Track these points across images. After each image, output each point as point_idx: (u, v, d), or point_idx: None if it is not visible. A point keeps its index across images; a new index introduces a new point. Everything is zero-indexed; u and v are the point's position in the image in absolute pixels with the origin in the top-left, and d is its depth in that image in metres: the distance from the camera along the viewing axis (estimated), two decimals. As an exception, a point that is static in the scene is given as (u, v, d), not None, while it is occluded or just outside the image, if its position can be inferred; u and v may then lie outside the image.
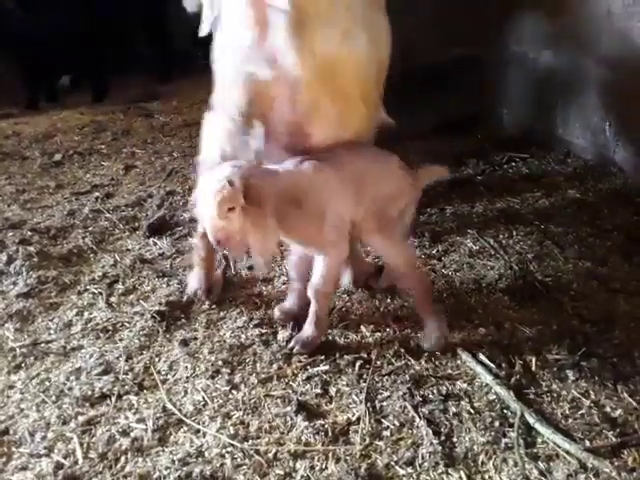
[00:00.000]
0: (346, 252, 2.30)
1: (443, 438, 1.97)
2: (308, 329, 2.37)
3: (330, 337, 2.48)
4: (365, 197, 2.23)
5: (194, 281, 2.79)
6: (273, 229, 2.05)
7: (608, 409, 2.08)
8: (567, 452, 1.89)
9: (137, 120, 5.70)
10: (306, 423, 2.04)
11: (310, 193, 2.13)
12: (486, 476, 1.85)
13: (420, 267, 2.45)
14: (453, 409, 2.09)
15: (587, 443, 1.93)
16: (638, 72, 3.59)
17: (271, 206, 2.00)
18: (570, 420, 2.04)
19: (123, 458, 1.95)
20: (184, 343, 2.49)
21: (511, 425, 2.01)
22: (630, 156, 3.78)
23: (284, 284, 2.85)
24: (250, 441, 1.99)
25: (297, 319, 2.50)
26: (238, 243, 2.03)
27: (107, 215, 3.64)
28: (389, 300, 2.70)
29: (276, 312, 2.56)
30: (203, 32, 3.17)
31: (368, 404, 2.13)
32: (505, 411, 2.08)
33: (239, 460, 1.91)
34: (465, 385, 2.20)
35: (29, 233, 3.37)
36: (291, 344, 2.38)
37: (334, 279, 2.33)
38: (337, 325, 2.56)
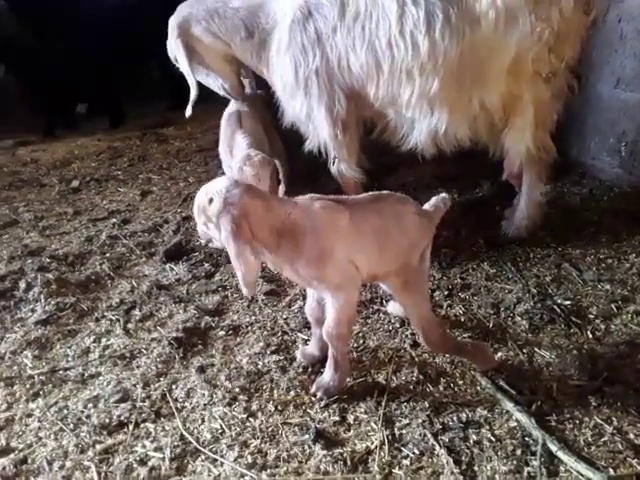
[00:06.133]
0: (356, 297, 2.20)
1: (464, 467, 1.94)
2: (328, 374, 2.30)
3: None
4: (390, 253, 2.17)
5: None
6: (247, 258, 1.91)
7: (631, 436, 2.04)
8: (591, 481, 1.86)
9: (153, 146, 5.78)
10: (324, 452, 2.02)
11: (311, 232, 2.01)
12: (509, 506, 1.82)
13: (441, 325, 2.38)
14: (474, 437, 2.06)
15: (611, 471, 1.90)
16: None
17: (249, 237, 1.91)
18: (593, 447, 2.00)
19: (141, 488, 1.95)
20: (201, 370, 2.49)
21: (533, 453, 1.98)
22: (647, 176, 3.76)
23: (301, 308, 2.85)
24: (268, 470, 1.97)
25: (320, 363, 2.43)
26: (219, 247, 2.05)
27: (124, 241, 3.67)
28: (406, 325, 2.68)
29: (299, 356, 2.52)
30: (189, 113, 3.60)
31: (387, 432, 2.11)
32: (527, 439, 2.04)
33: (257, 490, 1.90)
34: (485, 412, 2.17)
35: (47, 260, 3.40)
36: (312, 390, 2.31)
37: (347, 321, 2.19)
38: (354, 351, 2.54)
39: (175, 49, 3.47)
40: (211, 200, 1.93)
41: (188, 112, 3.61)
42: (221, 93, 3.69)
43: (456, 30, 2.71)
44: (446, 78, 2.82)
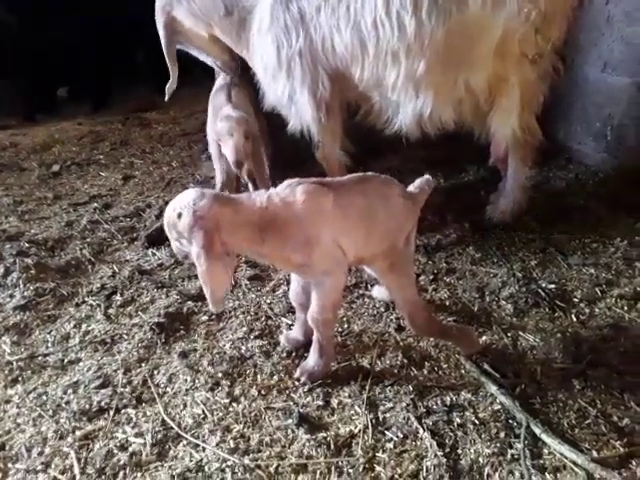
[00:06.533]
0: (343, 282, 2.18)
1: (448, 450, 1.94)
2: (313, 358, 2.28)
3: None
4: (376, 236, 2.13)
5: None
6: (217, 272, 1.85)
7: (615, 418, 2.04)
8: (574, 463, 1.86)
9: (135, 130, 5.70)
10: (308, 436, 2.01)
11: (295, 221, 1.96)
12: (492, 489, 1.81)
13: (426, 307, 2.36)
14: (457, 420, 2.06)
15: (594, 453, 1.90)
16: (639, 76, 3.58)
17: (220, 252, 1.84)
18: (577, 430, 2.00)
19: (121, 473, 1.92)
20: (183, 355, 2.46)
21: (517, 436, 1.97)
22: (632, 162, 3.75)
23: (285, 293, 2.82)
24: (251, 455, 1.95)
25: (304, 347, 2.41)
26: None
27: (105, 226, 3.61)
28: (391, 309, 2.66)
29: (282, 340, 2.49)
30: (168, 96, 3.64)
31: (371, 415, 2.09)
32: (511, 421, 2.04)
33: (240, 475, 1.88)
34: (469, 395, 2.16)
35: (27, 245, 3.34)
36: (297, 374, 2.29)
37: (332, 306, 2.17)
38: (339, 335, 2.52)
39: (158, 30, 3.42)
40: (180, 215, 1.86)
41: (167, 95, 3.56)
42: (215, 68, 3.74)
43: (443, 10, 2.66)
44: (432, 60, 2.78)
